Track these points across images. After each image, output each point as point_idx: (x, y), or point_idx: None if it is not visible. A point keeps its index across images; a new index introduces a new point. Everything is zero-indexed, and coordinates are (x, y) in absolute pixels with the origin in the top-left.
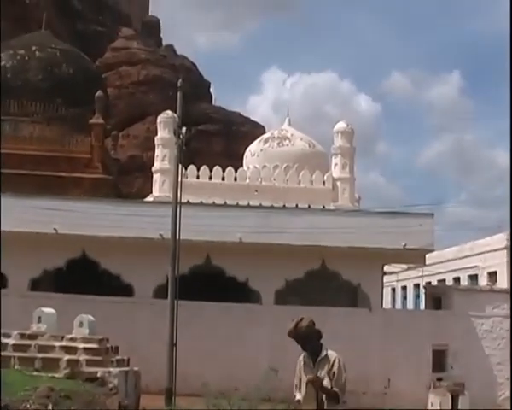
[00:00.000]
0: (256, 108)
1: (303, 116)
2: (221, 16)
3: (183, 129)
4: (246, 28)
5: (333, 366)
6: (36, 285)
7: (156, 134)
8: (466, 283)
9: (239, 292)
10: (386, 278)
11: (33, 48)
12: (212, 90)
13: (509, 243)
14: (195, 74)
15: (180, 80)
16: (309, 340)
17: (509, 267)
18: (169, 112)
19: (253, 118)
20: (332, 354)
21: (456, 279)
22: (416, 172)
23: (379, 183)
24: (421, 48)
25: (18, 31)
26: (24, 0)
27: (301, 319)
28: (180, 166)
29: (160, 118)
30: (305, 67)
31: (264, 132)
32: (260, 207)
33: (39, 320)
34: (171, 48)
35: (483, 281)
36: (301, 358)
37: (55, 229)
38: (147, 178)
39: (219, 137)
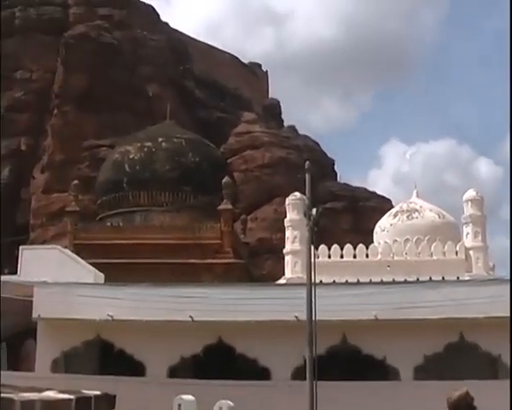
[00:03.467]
0: (377, 182)
1: (425, 186)
2: (337, 93)
3: (313, 210)
4: (361, 102)
5: None
6: (174, 372)
7: (284, 215)
8: None
9: (377, 370)
10: None
11: (159, 139)
12: (335, 167)
13: None
14: (319, 153)
15: (307, 162)
16: None
17: None
18: (297, 194)
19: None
20: None
21: None
22: None
23: (507, 248)
24: None
25: (143, 123)
26: (147, 93)
27: (467, 392)
28: (312, 247)
29: (288, 200)
30: (423, 136)
31: (391, 206)
32: (394, 282)
33: (179, 408)
34: (292, 128)
35: None
36: None
37: (190, 316)
38: (277, 259)
39: (346, 214)
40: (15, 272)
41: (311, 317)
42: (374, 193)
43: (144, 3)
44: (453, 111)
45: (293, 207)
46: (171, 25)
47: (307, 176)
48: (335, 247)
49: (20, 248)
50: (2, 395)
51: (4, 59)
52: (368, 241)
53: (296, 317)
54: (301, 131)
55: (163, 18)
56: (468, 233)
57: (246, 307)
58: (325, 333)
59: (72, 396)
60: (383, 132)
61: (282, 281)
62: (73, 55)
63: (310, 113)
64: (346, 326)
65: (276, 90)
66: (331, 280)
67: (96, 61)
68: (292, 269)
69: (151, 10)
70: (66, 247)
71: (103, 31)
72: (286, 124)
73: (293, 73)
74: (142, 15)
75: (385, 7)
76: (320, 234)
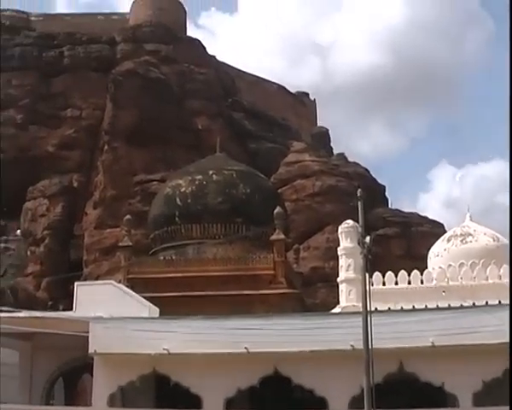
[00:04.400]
0: (428, 206)
1: (477, 209)
2: (386, 119)
3: (367, 238)
4: (410, 127)
5: None
6: (230, 404)
7: (336, 243)
8: None
9: (435, 397)
10: None
11: (210, 172)
12: (386, 193)
13: None
14: (369, 180)
15: (359, 190)
16: None
17: None
18: (350, 221)
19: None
20: None
21: None
22: None
23: None
24: None
25: (193, 156)
26: (196, 127)
27: None
28: (367, 275)
29: (341, 228)
30: (473, 159)
31: (443, 230)
32: (450, 308)
33: None
34: (342, 156)
35: None
36: None
37: (246, 348)
38: (330, 287)
39: (399, 240)
40: (71, 308)
41: (368, 345)
42: (426, 218)
43: (190, 38)
44: (502, 132)
45: (346, 236)
46: (218, 58)
47: (359, 204)
48: (389, 274)
49: (75, 284)
50: None
51: (54, 98)
52: (421, 266)
53: (352, 346)
54: (351, 159)
55: (210, 51)
56: None
57: (301, 337)
58: (382, 361)
59: None
60: (432, 157)
61: (336, 310)
62: (122, 92)
63: (359, 139)
64: (403, 353)
65: (325, 118)
66: (386, 307)
67: (144, 96)
68: (346, 297)
69: (197, 44)
70: (120, 281)
71: (151, 66)
72: (335, 152)
73: (341, 101)
74: (189, 50)
75: (430, 32)
76: (373, 261)
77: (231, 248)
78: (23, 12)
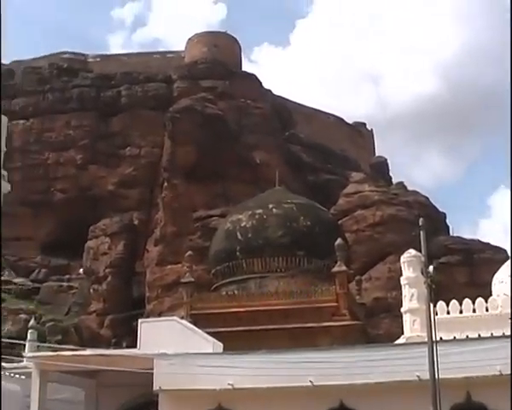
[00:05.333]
0: (488, 232)
1: None
2: (443, 145)
3: (430, 267)
4: (467, 153)
5: None
6: None
7: (398, 273)
8: None
9: None
10: None
11: (270, 206)
12: (447, 220)
13: None
14: (430, 208)
15: (421, 219)
16: None
17: None
18: (412, 251)
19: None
20: None
21: None
22: None
23: None
24: None
25: (252, 191)
26: (254, 161)
27: None
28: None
29: (403, 258)
30: None
31: (506, 256)
32: None
33: None
34: (401, 185)
35: None
36: None
37: (310, 381)
38: (393, 318)
39: (461, 268)
40: (135, 346)
41: (434, 375)
42: (488, 244)
43: (246, 72)
44: None
45: (409, 265)
46: (274, 91)
47: (422, 233)
48: (454, 302)
49: (139, 321)
50: None
51: (112, 137)
52: (485, 293)
53: (418, 376)
54: (410, 187)
55: (265, 85)
56: None
57: (366, 369)
58: (449, 391)
59: None
60: (491, 182)
61: (401, 340)
62: (180, 128)
63: (417, 168)
64: (470, 383)
65: (382, 147)
66: (451, 337)
67: (202, 132)
68: (411, 328)
69: (253, 79)
70: (182, 317)
71: (208, 102)
72: (394, 181)
73: (397, 130)
74: (245, 84)
75: (484, 57)
76: (436, 290)
77: (293, 282)
78: (80, 54)
